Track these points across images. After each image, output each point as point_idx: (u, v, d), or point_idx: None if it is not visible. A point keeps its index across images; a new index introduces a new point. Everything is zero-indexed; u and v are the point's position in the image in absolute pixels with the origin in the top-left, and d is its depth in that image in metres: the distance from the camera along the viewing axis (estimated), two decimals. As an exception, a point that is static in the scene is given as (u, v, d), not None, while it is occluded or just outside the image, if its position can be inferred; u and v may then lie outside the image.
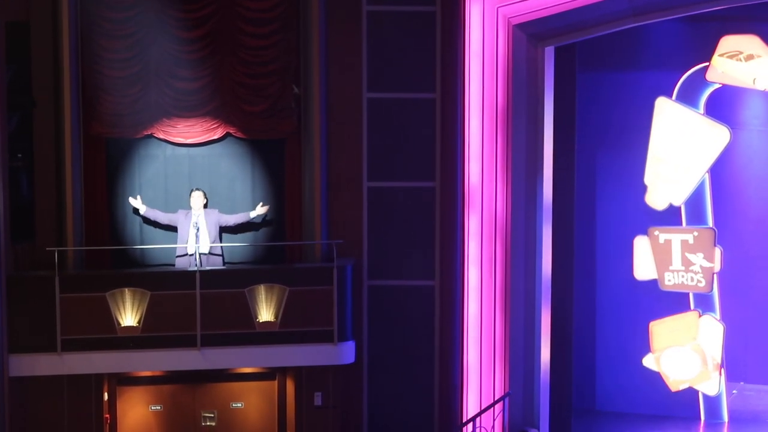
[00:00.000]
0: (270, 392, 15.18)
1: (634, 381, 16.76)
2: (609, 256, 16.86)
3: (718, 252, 16.19)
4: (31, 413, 14.44)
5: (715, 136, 16.17)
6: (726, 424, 16.49)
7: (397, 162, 15.42)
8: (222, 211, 15.03)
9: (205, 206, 14.93)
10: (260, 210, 15.07)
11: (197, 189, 14.93)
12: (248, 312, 14.52)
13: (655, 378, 16.60)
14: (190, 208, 14.90)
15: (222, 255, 14.96)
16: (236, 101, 15.08)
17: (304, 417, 15.02)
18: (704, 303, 16.38)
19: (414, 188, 15.45)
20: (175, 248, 14.91)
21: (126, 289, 14.31)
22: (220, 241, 14.99)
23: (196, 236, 14.73)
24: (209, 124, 15.13)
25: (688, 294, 16.42)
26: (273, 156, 15.39)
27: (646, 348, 16.58)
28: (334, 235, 15.23)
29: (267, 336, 14.57)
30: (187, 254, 14.81)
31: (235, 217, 15.01)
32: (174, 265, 14.92)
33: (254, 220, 15.12)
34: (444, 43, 15.26)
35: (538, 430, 15.62)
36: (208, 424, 15.05)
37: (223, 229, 15.07)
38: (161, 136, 15.12)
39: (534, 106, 15.54)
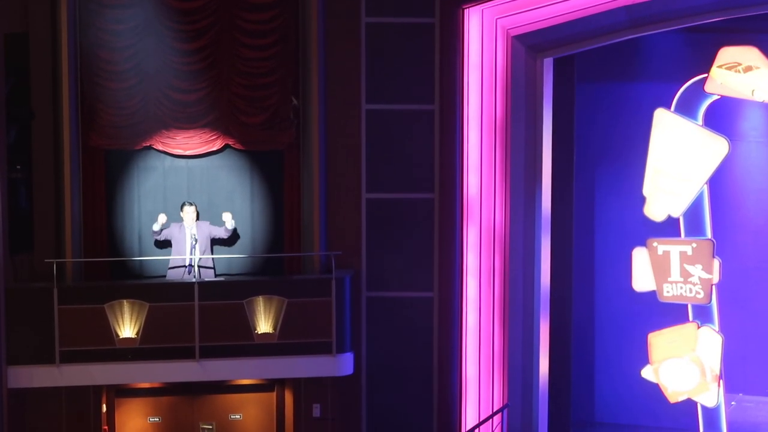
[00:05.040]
0: (268, 404, 15.18)
1: (633, 392, 16.72)
2: (608, 268, 16.83)
3: (716, 263, 16.15)
4: (30, 425, 14.45)
5: (714, 148, 16.14)
6: (724, 436, 16.52)
7: (396, 173, 15.42)
8: (213, 223, 15.01)
9: (197, 218, 14.94)
10: (227, 217, 14.82)
11: (189, 204, 14.92)
12: (247, 323, 14.52)
13: (654, 389, 16.55)
14: (182, 220, 14.90)
15: (213, 267, 14.96)
16: (235, 113, 15.08)
17: (302, 428, 15.03)
18: (703, 314, 16.35)
19: (413, 200, 15.45)
20: (168, 260, 14.93)
21: (124, 301, 14.32)
22: (212, 254, 14.99)
23: (193, 248, 14.73)
24: (208, 136, 15.13)
25: (686, 305, 16.38)
26: (272, 167, 15.40)
27: (644, 359, 16.54)
28: (332, 247, 15.23)
29: (265, 348, 14.57)
30: (180, 266, 14.79)
31: (221, 229, 14.92)
32: (165, 276, 14.93)
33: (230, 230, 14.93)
34: (443, 54, 15.26)
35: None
36: (206, 435, 15.09)
37: (216, 241, 15.04)
38: (160, 147, 15.12)
39: (533, 117, 15.54)
